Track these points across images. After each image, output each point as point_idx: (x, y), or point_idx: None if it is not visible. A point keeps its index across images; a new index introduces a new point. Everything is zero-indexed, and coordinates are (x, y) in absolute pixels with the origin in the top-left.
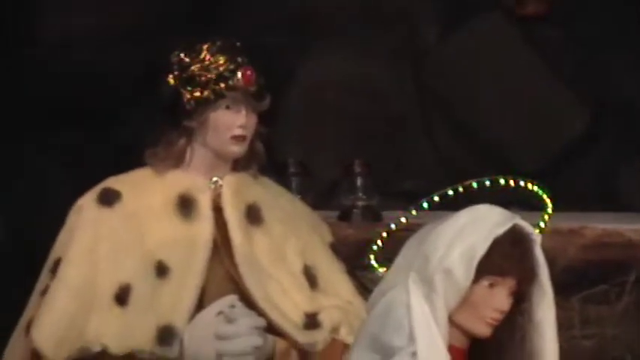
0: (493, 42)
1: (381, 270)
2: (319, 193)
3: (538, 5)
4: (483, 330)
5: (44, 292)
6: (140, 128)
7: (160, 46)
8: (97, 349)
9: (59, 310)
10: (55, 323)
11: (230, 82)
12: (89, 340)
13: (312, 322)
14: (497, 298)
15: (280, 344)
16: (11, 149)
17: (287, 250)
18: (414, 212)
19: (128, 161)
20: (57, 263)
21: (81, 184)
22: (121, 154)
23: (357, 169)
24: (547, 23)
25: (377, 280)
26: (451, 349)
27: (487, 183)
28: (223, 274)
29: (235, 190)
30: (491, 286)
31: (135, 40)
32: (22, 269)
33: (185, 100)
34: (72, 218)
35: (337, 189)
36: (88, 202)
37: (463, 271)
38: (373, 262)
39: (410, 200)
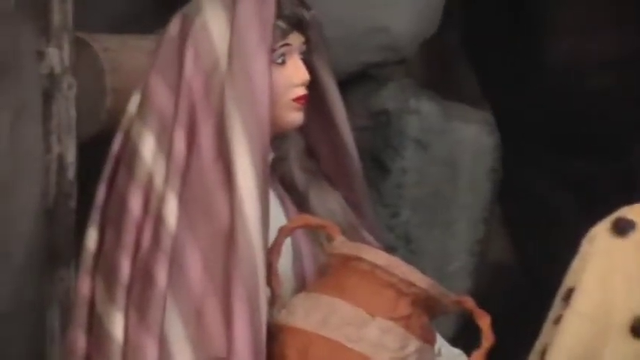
0: None
1: None
2: None
3: None
4: None
5: (557, 320)
6: None
7: None
8: None
9: (573, 338)
10: (570, 351)
11: None
12: None
13: None
14: None
15: None
16: (520, 174)
17: None
18: None
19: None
20: (570, 292)
21: (593, 212)
22: (633, 184)
23: None
24: None
25: None
26: None
27: None
28: None
29: None
30: None
31: None
32: (533, 296)
33: None
34: (585, 247)
35: None
36: (601, 231)
37: None
38: None
39: None
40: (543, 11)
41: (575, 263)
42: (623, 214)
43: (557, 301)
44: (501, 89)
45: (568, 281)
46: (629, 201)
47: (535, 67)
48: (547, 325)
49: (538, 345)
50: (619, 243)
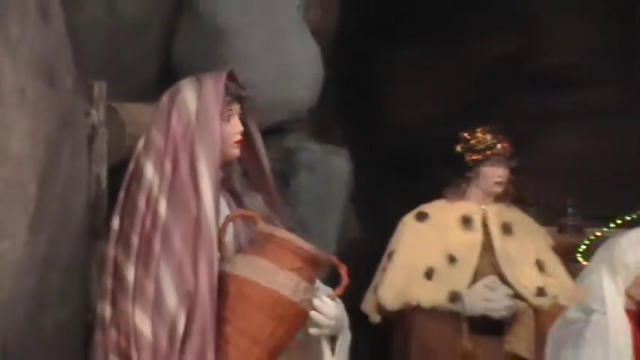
0: None
1: (584, 262)
2: (545, 216)
3: None
4: None
5: (384, 270)
6: (445, 177)
7: (460, 126)
8: (414, 303)
9: (394, 280)
10: (392, 288)
11: (494, 150)
12: (411, 298)
13: (541, 292)
14: None
15: (521, 305)
16: (370, 187)
17: (527, 250)
18: (604, 229)
19: (433, 196)
20: (391, 254)
21: (407, 208)
22: (429, 192)
23: (570, 203)
24: None
25: (581, 269)
26: (628, 311)
27: None
28: (488, 263)
29: (496, 214)
30: None
31: (450, 122)
32: (371, 258)
33: (467, 160)
34: (399, 228)
35: (561, 214)
36: (409, 218)
37: (634, 265)
38: (580, 258)
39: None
40: (385, 87)
41: (394, 237)
42: (421, 209)
43: (384, 259)
44: (362, 137)
45: (389, 248)
46: (427, 201)
47: (382, 123)
48: (378, 273)
49: (373, 284)
50: (420, 225)
